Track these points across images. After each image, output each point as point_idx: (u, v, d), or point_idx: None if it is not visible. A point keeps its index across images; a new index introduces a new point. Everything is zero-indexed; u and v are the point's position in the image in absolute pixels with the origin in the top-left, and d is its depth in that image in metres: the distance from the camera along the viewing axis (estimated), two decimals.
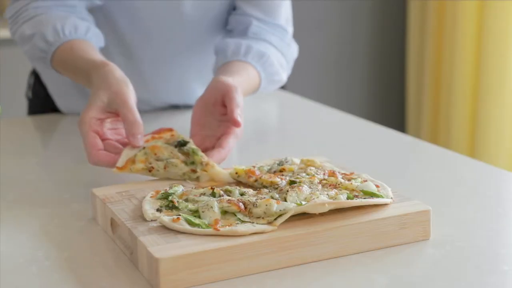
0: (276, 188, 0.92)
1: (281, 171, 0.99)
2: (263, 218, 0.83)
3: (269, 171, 0.99)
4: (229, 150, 1.06)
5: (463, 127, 3.00)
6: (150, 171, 1.00)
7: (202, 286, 0.76)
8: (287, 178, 0.95)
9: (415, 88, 3.32)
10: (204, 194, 0.89)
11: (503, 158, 2.88)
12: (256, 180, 0.96)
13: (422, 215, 0.86)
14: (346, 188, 0.90)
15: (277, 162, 1.02)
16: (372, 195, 0.88)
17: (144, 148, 1.02)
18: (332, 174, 0.94)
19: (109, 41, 1.38)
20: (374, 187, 0.90)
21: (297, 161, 1.02)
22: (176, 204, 0.86)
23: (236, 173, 0.98)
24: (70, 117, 1.60)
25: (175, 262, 0.75)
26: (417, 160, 1.22)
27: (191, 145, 1.03)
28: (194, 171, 0.99)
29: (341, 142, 1.33)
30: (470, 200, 1.01)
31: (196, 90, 1.48)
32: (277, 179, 0.94)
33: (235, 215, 0.83)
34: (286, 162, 1.01)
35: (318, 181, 0.92)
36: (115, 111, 1.05)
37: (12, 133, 1.45)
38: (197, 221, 0.81)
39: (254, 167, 0.99)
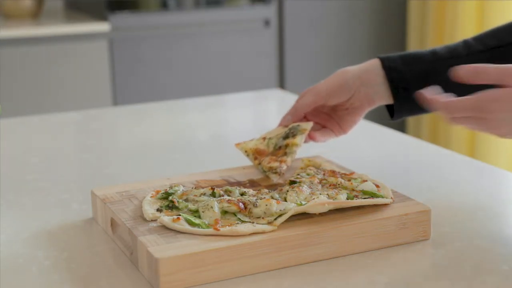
0: (276, 172, 0.95)
1: (286, 145, 1.01)
2: (263, 218, 0.82)
3: (274, 148, 1.02)
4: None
5: (463, 127, 3.00)
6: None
7: (202, 286, 0.76)
8: (288, 158, 0.98)
9: None
10: (204, 194, 0.89)
11: (503, 158, 2.88)
12: (259, 163, 1.00)
13: (422, 215, 0.86)
14: (346, 188, 0.90)
15: (283, 135, 1.04)
16: (372, 195, 0.88)
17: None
18: (332, 174, 0.94)
19: None
20: (374, 187, 0.90)
21: (305, 126, 1.04)
22: (176, 204, 0.86)
23: (246, 151, 1.02)
24: (69, 117, 1.60)
25: (175, 262, 0.75)
26: (417, 160, 1.22)
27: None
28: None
29: (341, 142, 1.33)
30: (470, 200, 1.01)
31: None
32: (276, 164, 0.96)
33: (235, 215, 0.83)
34: (294, 130, 1.03)
35: (318, 181, 0.92)
36: None
37: (12, 133, 1.45)
38: (197, 221, 0.81)
39: (264, 139, 1.03)
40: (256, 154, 1.01)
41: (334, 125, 1.09)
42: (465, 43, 1.07)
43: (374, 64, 1.07)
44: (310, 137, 1.06)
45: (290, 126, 1.05)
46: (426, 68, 1.05)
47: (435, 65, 1.05)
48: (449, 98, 0.89)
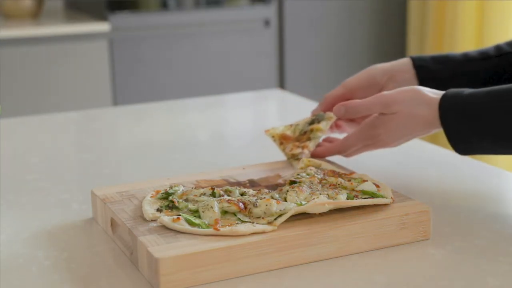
0: (298, 159, 1.00)
1: (311, 130, 1.05)
2: (263, 218, 0.82)
3: (300, 133, 1.06)
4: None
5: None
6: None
7: (202, 286, 0.76)
8: (310, 143, 1.02)
9: None
10: (204, 194, 0.89)
11: (503, 158, 2.88)
12: (284, 149, 1.04)
13: (422, 215, 0.86)
14: (346, 188, 0.90)
15: (309, 121, 1.08)
16: (372, 195, 0.88)
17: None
18: (332, 174, 0.94)
19: None
20: (374, 187, 0.90)
21: (332, 114, 1.07)
22: (176, 204, 0.86)
23: (273, 137, 1.06)
24: (69, 117, 1.60)
25: (175, 262, 0.75)
26: (417, 160, 1.22)
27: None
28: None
29: None
30: (470, 200, 1.01)
31: None
32: (298, 150, 1.01)
33: (235, 215, 0.83)
34: (320, 117, 1.07)
35: (318, 181, 0.92)
36: None
37: (12, 133, 1.45)
38: (197, 221, 0.81)
39: (291, 125, 1.08)
40: (282, 139, 1.06)
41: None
42: (497, 46, 1.12)
43: (404, 62, 1.11)
44: (337, 126, 1.10)
45: (318, 114, 1.09)
46: (456, 68, 1.08)
47: (466, 66, 1.09)
48: (334, 143, 1.04)
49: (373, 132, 0.99)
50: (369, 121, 0.99)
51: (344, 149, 1.03)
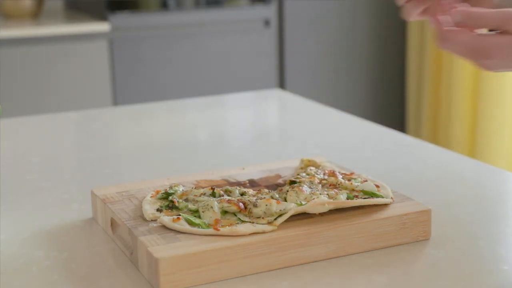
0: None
1: None
2: (263, 218, 0.82)
3: None
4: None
5: (463, 127, 3.00)
6: None
7: (202, 286, 0.76)
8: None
9: (415, 88, 3.32)
10: (204, 194, 0.89)
11: (503, 158, 2.88)
12: None
13: (422, 215, 0.86)
14: (346, 188, 0.90)
15: None
16: (372, 195, 0.88)
17: None
18: (332, 174, 0.94)
19: None
20: (374, 187, 0.90)
21: None
22: (176, 204, 0.86)
23: None
24: (69, 117, 1.60)
25: (175, 262, 0.75)
26: (417, 160, 1.22)
27: None
28: None
29: (341, 142, 1.33)
30: (470, 200, 1.01)
31: None
32: None
33: (235, 215, 0.83)
34: None
35: (318, 181, 0.92)
36: None
37: (12, 133, 1.45)
38: (197, 221, 0.81)
39: None
40: None
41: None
42: None
43: None
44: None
45: None
46: None
47: None
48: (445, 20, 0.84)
49: (485, 52, 0.81)
50: (485, 36, 0.81)
51: (447, 37, 0.84)
